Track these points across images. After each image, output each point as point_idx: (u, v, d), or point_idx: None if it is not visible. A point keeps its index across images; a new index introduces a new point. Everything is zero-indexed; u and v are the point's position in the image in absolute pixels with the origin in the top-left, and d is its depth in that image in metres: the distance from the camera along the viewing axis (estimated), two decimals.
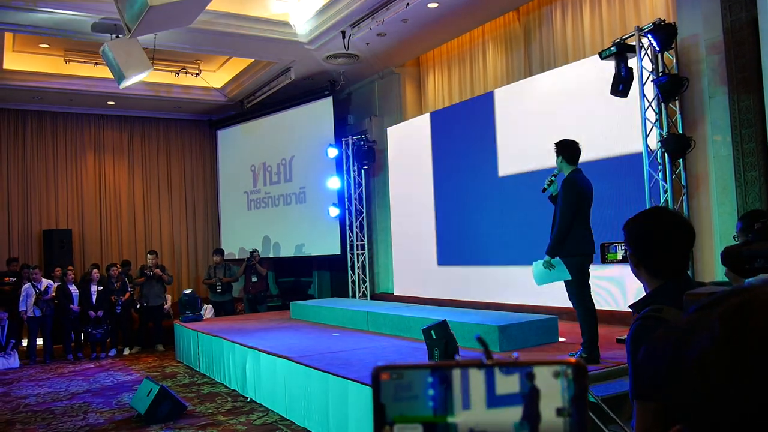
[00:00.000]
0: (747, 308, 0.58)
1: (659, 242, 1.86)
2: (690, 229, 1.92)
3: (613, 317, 6.50)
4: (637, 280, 1.95)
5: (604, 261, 4.25)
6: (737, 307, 0.59)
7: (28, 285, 10.12)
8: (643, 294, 1.90)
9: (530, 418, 0.58)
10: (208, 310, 10.95)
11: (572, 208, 4.95)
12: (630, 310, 1.98)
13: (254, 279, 11.27)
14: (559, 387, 0.58)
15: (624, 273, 6.34)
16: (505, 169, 8.36)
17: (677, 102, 6.32)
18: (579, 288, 4.98)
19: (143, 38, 7.84)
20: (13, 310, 10.12)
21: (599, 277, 6.93)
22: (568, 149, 5.11)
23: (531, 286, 7.74)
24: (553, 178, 5.19)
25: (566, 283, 5.04)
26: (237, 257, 13.17)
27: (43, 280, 10.24)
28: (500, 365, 0.59)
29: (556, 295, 7.35)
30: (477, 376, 0.59)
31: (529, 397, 0.58)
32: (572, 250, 4.97)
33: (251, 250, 11.59)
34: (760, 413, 0.54)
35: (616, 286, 6.71)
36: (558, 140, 5.21)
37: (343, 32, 8.95)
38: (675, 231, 1.89)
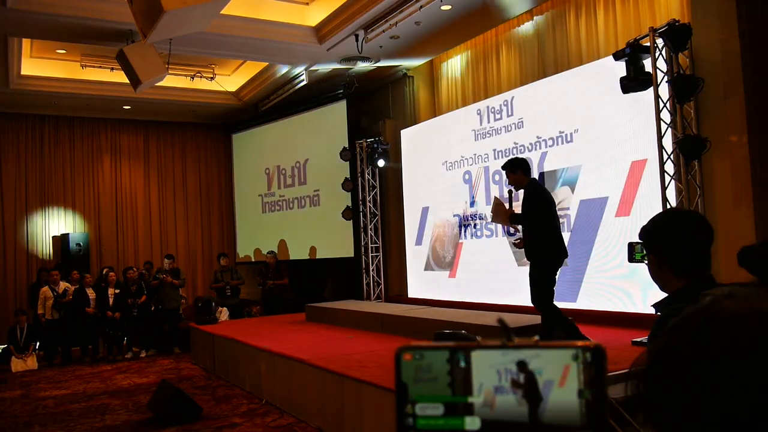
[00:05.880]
0: (708, 327, 0.59)
1: (681, 240, 1.86)
2: (708, 224, 1.92)
3: (628, 319, 6.46)
4: (651, 281, 1.94)
5: (632, 260, 4.27)
6: (700, 325, 0.59)
7: (46, 288, 10.24)
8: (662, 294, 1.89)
9: (531, 400, 0.59)
10: (223, 313, 11.01)
11: (533, 208, 5.46)
12: (653, 310, 1.98)
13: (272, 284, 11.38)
14: (577, 369, 0.59)
15: (639, 274, 6.30)
16: None
17: (692, 103, 6.27)
18: (543, 292, 5.41)
19: (158, 43, 7.91)
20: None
21: (615, 277, 6.90)
22: (520, 163, 5.67)
23: None
24: (509, 195, 5.76)
25: (531, 285, 5.48)
26: (253, 260, 13.25)
27: (61, 283, 10.35)
28: (521, 346, 0.60)
29: (569, 299, 7.34)
30: (498, 357, 0.60)
31: (527, 381, 0.59)
32: (540, 254, 5.44)
33: (267, 253, 11.67)
34: (729, 427, 0.54)
35: (632, 288, 6.67)
36: (505, 162, 5.77)
37: (357, 35, 8.97)
38: (694, 227, 1.88)
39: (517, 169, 5.61)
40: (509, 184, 5.75)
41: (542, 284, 5.41)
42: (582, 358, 0.59)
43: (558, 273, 5.52)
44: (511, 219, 5.75)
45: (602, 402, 0.58)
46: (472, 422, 0.60)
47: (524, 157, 8.18)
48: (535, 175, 8.03)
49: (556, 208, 5.68)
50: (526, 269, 8.15)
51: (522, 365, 0.59)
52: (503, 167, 5.79)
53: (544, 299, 5.41)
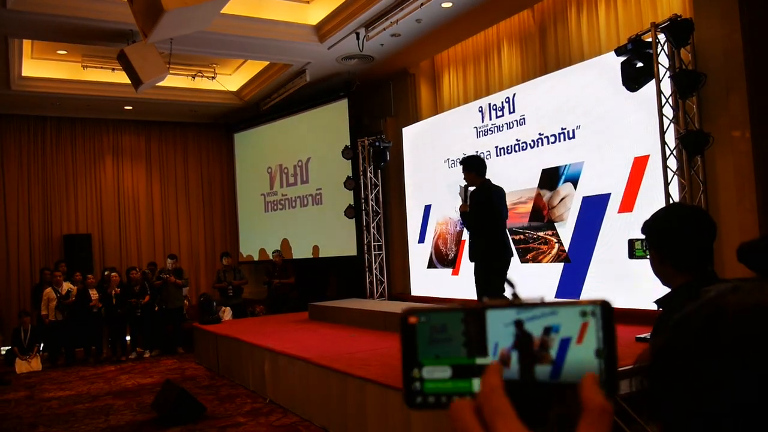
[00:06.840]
0: (712, 322, 0.58)
1: (683, 236, 1.84)
2: (710, 219, 1.91)
3: (631, 315, 6.44)
4: (654, 277, 1.93)
5: (632, 257, 4.25)
6: (704, 321, 0.59)
7: (49, 289, 10.25)
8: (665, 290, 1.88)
9: (524, 360, 0.58)
10: (226, 313, 11.01)
11: (477, 209, 5.53)
12: (656, 307, 1.96)
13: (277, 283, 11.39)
14: (596, 326, 0.58)
15: (642, 270, 6.29)
16: (520, 168, 8.32)
17: (695, 98, 6.25)
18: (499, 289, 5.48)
19: (159, 43, 7.91)
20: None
21: (617, 273, 6.89)
22: (477, 164, 5.69)
23: (547, 285, 7.73)
24: (464, 193, 5.73)
25: (477, 284, 5.61)
26: (256, 259, 13.25)
27: (64, 284, 10.37)
28: (527, 306, 0.59)
29: (572, 295, 7.32)
30: (514, 315, 0.59)
31: (521, 341, 0.58)
32: (484, 255, 5.55)
33: (273, 252, 11.67)
34: (733, 423, 0.53)
35: (635, 284, 6.66)
36: (463, 158, 5.83)
37: (358, 33, 8.95)
38: (696, 223, 1.87)
39: (471, 169, 5.67)
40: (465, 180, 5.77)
41: (497, 282, 5.51)
42: (591, 315, 0.58)
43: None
44: (461, 216, 5.81)
45: (615, 358, 0.57)
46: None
47: (525, 153, 8.20)
48: (537, 172, 8.03)
49: (507, 211, 5.77)
50: (528, 266, 8.21)
51: (519, 324, 0.58)
52: (461, 162, 5.84)
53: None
